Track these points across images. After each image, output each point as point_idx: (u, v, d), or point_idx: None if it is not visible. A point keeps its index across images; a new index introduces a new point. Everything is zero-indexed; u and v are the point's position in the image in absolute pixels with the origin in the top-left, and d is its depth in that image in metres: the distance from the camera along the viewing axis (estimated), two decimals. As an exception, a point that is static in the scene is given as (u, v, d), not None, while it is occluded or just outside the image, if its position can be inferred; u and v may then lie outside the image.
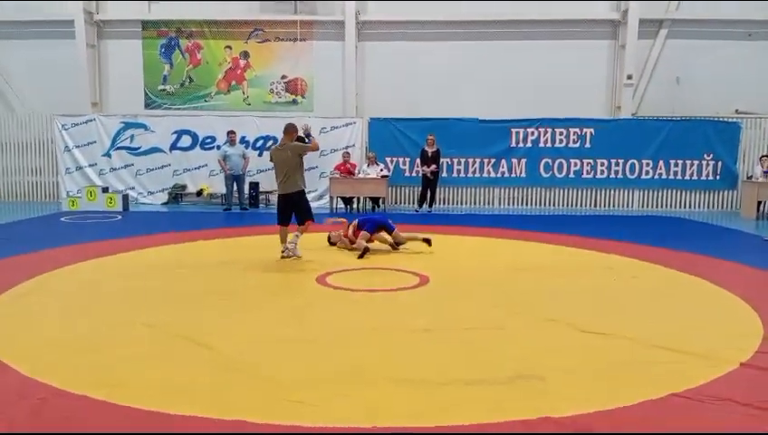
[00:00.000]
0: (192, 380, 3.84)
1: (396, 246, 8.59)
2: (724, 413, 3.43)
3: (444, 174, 14.29)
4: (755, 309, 5.59)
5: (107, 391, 3.59)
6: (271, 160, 8.13)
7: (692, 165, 14.48)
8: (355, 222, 8.73)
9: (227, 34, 15.38)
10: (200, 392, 3.65)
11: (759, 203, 13.31)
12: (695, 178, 14.52)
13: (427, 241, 8.52)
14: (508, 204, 14.85)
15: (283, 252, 7.92)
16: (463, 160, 14.62)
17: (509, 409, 3.45)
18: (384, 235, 8.57)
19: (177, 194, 14.79)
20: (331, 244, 8.79)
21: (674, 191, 14.69)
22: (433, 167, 13.51)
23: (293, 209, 8.00)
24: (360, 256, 7.98)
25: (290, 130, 8.00)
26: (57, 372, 3.91)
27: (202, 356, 4.28)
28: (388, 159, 14.45)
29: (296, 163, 7.88)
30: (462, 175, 14.66)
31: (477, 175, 14.67)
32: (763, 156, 13.65)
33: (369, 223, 8.55)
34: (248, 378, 3.89)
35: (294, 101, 15.53)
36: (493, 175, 14.67)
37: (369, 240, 8.47)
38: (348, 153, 14.07)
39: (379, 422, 3.26)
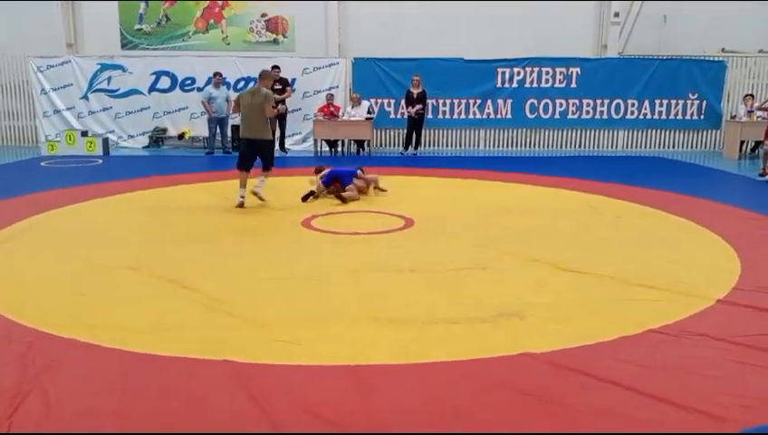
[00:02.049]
0: (178, 321, 3.88)
1: (341, 197, 8.05)
2: (699, 347, 3.53)
3: (429, 115, 14.15)
4: (734, 247, 5.70)
5: (94, 334, 3.62)
6: (237, 103, 7.94)
7: (677, 105, 14.46)
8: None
9: (204, -29, 14.84)
10: (187, 334, 3.69)
11: (741, 143, 13.39)
12: (679, 117, 14.53)
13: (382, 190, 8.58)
14: (494, 145, 14.80)
15: (241, 198, 7.65)
16: (448, 102, 14.46)
17: (490, 346, 3.54)
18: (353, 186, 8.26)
19: (158, 137, 14.55)
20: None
21: (658, 131, 14.71)
22: (418, 107, 13.34)
23: (259, 154, 7.85)
24: (304, 199, 7.93)
25: (265, 76, 7.93)
26: (43, 316, 3.92)
27: (187, 298, 4.30)
28: (372, 101, 14.24)
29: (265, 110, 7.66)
30: (447, 116, 14.53)
31: (463, 116, 14.55)
32: (747, 95, 13.64)
33: (328, 175, 8.32)
34: (234, 319, 3.93)
35: (275, 41, 15.15)
36: (478, 116, 14.56)
37: (323, 191, 8.23)
38: (331, 95, 13.83)
39: (364, 360, 3.32)
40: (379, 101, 14.37)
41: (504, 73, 14.34)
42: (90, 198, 7.99)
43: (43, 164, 11.60)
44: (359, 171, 8.48)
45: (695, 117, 14.53)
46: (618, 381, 3.09)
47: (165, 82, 14.43)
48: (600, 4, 14.82)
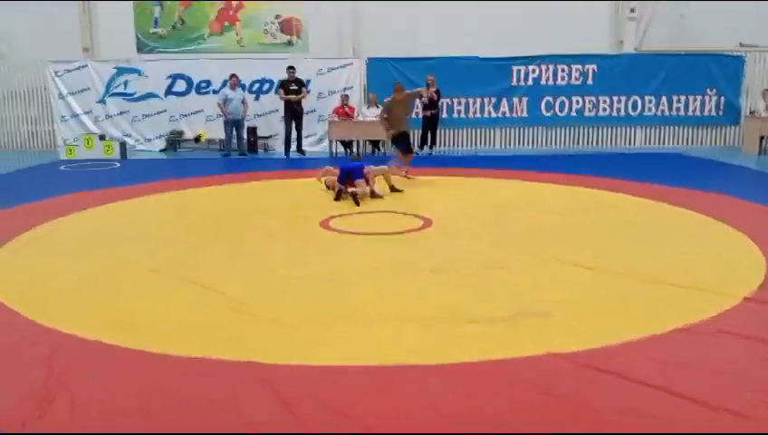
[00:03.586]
0: (202, 322, 3.90)
1: (353, 194, 8.00)
2: (727, 346, 3.49)
3: (444, 115, 14.11)
4: (758, 244, 5.62)
5: (118, 335, 3.64)
6: (386, 118, 9.95)
7: (695, 100, 14.29)
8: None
9: (218, -27, 14.91)
10: (211, 335, 3.70)
11: (761, 138, 13.20)
12: (697, 113, 14.35)
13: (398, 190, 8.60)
14: (509, 144, 14.73)
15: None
16: (463, 100, 14.41)
17: (514, 345, 3.51)
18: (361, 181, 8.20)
19: (174, 140, 14.63)
20: (328, 187, 8.60)
21: (676, 128, 14.54)
22: (431, 92, 13.02)
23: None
24: (336, 198, 7.97)
25: (399, 88, 9.98)
26: (66, 317, 3.95)
27: (210, 299, 4.32)
28: (387, 100, 14.18)
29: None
30: (462, 115, 14.48)
31: (478, 115, 14.49)
32: (766, 90, 13.45)
33: (341, 174, 8.28)
34: (258, 319, 3.94)
35: (290, 42, 15.18)
36: (494, 115, 14.49)
37: (343, 190, 8.15)
38: (346, 95, 13.84)
39: (389, 360, 3.31)
40: (394, 100, 14.31)
41: (519, 71, 14.26)
42: (108, 202, 8.04)
43: (61, 168, 11.71)
44: (364, 168, 8.41)
45: (713, 113, 14.36)
46: (646, 380, 3.05)
47: (181, 85, 14.51)
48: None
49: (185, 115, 14.59)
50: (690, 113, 14.34)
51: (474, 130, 14.63)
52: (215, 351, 3.43)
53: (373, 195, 8.27)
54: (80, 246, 6.00)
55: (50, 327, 3.80)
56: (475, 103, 14.41)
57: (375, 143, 13.84)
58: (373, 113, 13.44)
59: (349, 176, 8.25)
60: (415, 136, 14.21)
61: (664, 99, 14.26)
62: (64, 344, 3.55)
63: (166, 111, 14.54)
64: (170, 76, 14.45)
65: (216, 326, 3.85)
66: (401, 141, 10.03)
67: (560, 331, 3.74)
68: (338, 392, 2.98)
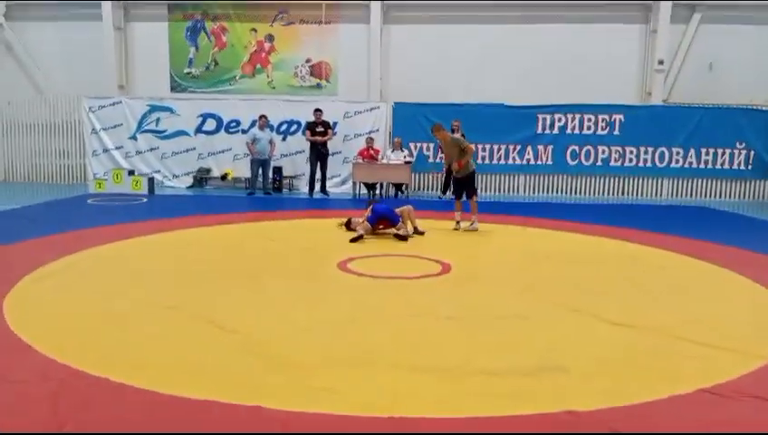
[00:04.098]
0: (212, 363, 3.84)
1: (402, 237, 8.27)
2: (756, 411, 3.32)
3: (468, 160, 14.11)
4: (788, 303, 5.43)
5: (127, 374, 3.59)
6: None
7: (723, 154, 14.15)
8: (370, 207, 8.64)
9: (252, 17, 15.34)
10: (220, 376, 3.64)
11: (793, 194, 12.97)
12: (726, 167, 14.20)
13: (420, 232, 8.66)
14: (534, 192, 14.67)
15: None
16: (488, 147, 14.45)
17: (532, 400, 3.38)
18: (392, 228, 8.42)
19: (201, 177, 14.86)
20: (350, 229, 8.64)
21: (704, 180, 14.38)
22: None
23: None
24: (353, 240, 7.95)
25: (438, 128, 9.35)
26: (79, 353, 3.92)
27: (223, 339, 4.27)
28: (411, 145, 14.33)
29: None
30: (487, 162, 14.49)
31: (503, 162, 14.50)
32: (797, 145, 13.27)
33: (374, 215, 8.39)
34: (269, 362, 3.87)
35: (318, 85, 15.46)
36: (518, 162, 14.49)
37: (371, 232, 8.34)
38: (371, 138, 13.97)
39: (401, 411, 3.21)
40: (419, 145, 14.44)
41: (544, 120, 14.30)
42: (133, 236, 8.12)
43: (89, 201, 11.91)
44: (396, 210, 8.58)
45: (742, 167, 14.19)
46: (668, 444, 2.91)
47: (211, 124, 14.81)
48: (645, 51, 14.73)
49: (213, 153, 14.85)
50: (719, 166, 14.20)
51: (498, 177, 14.64)
52: (224, 394, 3.36)
53: (416, 231, 8.64)
54: (99, 279, 6.02)
55: (61, 362, 3.77)
56: (500, 150, 14.44)
57: (398, 186, 13.86)
58: (398, 157, 13.53)
59: (385, 218, 8.28)
60: (438, 180, 14.25)
61: (692, 151, 14.14)
62: (72, 381, 3.51)
63: (195, 148, 14.83)
64: (201, 115, 14.78)
65: (228, 368, 3.78)
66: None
67: (579, 387, 3.60)
68: (345, 443, 2.88)
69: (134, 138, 14.93)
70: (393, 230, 8.38)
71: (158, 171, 14.85)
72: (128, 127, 14.90)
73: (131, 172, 13.86)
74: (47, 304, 5.13)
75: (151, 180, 13.73)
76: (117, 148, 14.93)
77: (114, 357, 3.91)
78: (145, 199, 12.46)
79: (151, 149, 14.94)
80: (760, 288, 6.02)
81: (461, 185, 9.55)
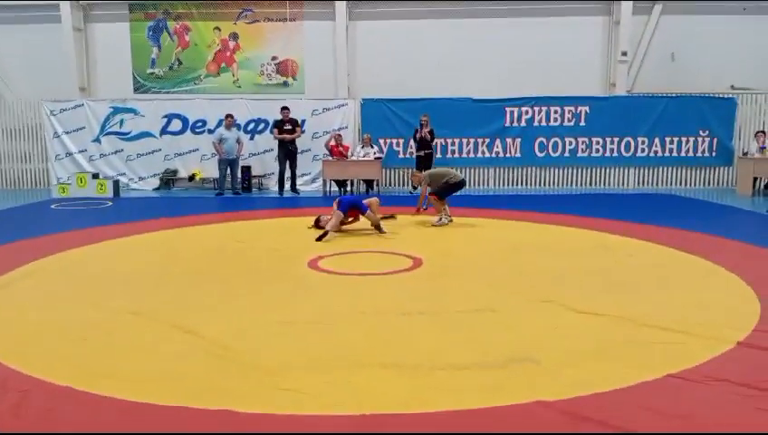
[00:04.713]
0: (180, 369, 3.76)
1: (379, 229, 8.43)
2: (722, 394, 3.37)
3: (438, 155, 14.15)
4: (752, 287, 5.53)
5: (93, 382, 3.51)
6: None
7: (687, 142, 14.40)
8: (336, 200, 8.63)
9: (216, 15, 15.13)
10: (188, 382, 3.57)
11: (755, 179, 13.25)
12: (690, 155, 14.45)
13: (391, 216, 8.85)
14: (503, 184, 14.75)
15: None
16: (457, 141, 14.49)
17: (503, 393, 3.39)
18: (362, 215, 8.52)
19: (168, 179, 14.64)
20: (319, 227, 8.55)
21: (669, 169, 14.62)
22: (425, 132, 13.29)
23: None
24: (318, 239, 7.87)
25: None
26: (42, 362, 3.82)
27: (190, 344, 4.19)
28: (381, 141, 14.31)
29: None
30: (457, 155, 14.54)
31: (472, 155, 14.56)
32: (758, 132, 13.56)
33: (343, 203, 8.43)
34: (237, 365, 3.81)
35: (285, 83, 15.34)
36: (487, 155, 14.56)
37: (343, 222, 8.42)
38: (339, 135, 13.88)
39: (370, 409, 3.18)
40: (388, 140, 14.42)
41: (512, 113, 14.39)
42: (97, 241, 7.96)
43: (53, 206, 11.65)
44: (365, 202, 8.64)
45: (706, 154, 14.45)
46: (635, 430, 2.93)
47: (176, 125, 14.59)
48: (608, 43, 14.91)
49: (179, 154, 14.63)
50: (683, 154, 14.44)
51: (468, 170, 14.65)
52: (191, 399, 3.30)
53: (384, 218, 8.79)
54: (62, 286, 5.88)
55: (23, 373, 3.66)
56: (468, 144, 14.49)
57: (369, 182, 13.83)
58: (367, 153, 13.49)
59: (355, 206, 8.28)
60: (408, 175, 14.24)
61: (657, 140, 14.37)
62: (35, 391, 3.41)
63: (161, 150, 14.60)
64: (166, 116, 14.55)
65: (194, 373, 3.71)
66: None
67: (550, 377, 3.62)
68: (315, 444, 2.85)
69: (98, 140, 14.63)
70: (361, 225, 8.46)
71: (124, 174, 14.59)
72: (91, 130, 14.60)
73: (96, 176, 13.59)
74: (10, 313, 4.98)
75: (116, 183, 13.49)
76: (80, 151, 14.62)
77: (80, 365, 3.81)
78: (110, 203, 12.23)
79: (116, 152, 14.65)
80: (725, 272, 6.12)
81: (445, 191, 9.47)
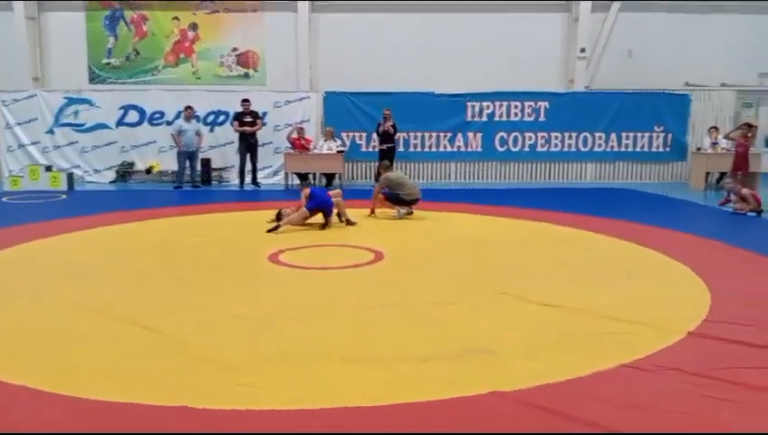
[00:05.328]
0: (137, 365, 3.70)
1: (349, 222, 8.58)
2: (673, 383, 3.47)
3: (400, 148, 14.16)
4: (703, 278, 5.71)
5: (46, 380, 3.43)
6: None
7: (643, 137, 14.72)
8: (307, 191, 8.56)
9: (174, 5, 14.79)
10: (145, 378, 3.52)
11: (707, 174, 13.64)
12: (645, 150, 14.78)
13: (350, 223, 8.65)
14: (464, 178, 14.87)
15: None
16: (419, 135, 14.53)
17: (460, 384, 3.43)
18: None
19: (124, 172, 14.30)
20: (278, 219, 8.45)
21: (626, 163, 14.92)
22: (387, 126, 13.23)
23: None
24: (269, 231, 7.95)
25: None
26: (-9, 361, 3.72)
27: (148, 340, 4.13)
28: (344, 134, 14.26)
29: None
30: (419, 149, 14.58)
31: (434, 149, 14.62)
32: (711, 128, 13.94)
33: (313, 201, 8.35)
34: (197, 362, 3.76)
35: (246, 75, 15.14)
36: (449, 149, 14.64)
37: (307, 217, 8.36)
38: (302, 127, 13.76)
39: (330, 403, 3.19)
40: (351, 134, 14.38)
41: (473, 107, 14.49)
42: (50, 235, 7.74)
43: (4, 199, 11.29)
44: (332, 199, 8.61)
45: (661, 149, 14.80)
46: (591, 420, 3.00)
47: (133, 117, 14.26)
48: (567, 40, 15.13)
49: (136, 146, 14.32)
50: (639, 149, 14.76)
51: (430, 164, 14.75)
52: (148, 396, 3.25)
53: (346, 219, 8.67)
54: (14, 282, 5.71)
55: (-29, 371, 3.56)
56: (431, 138, 14.54)
57: (330, 176, 13.77)
58: (329, 147, 13.43)
59: (321, 208, 8.36)
60: (371, 168, 14.24)
61: (614, 135, 14.65)
62: (-16, 390, 3.32)
63: (117, 141, 14.26)
64: (122, 107, 14.21)
65: (151, 369, 3.66)
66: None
67: (506, 368, 3.68)
68: (274, 438, 2.84)
69: (51, 132, 14.21)
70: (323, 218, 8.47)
71: (78, 166, 14.19)
72: (44, 121, 14.16)
73: (49, 168, 13.19)
74: (-44, 310, 4.82)
75: (70, 176, 13.13)
76: (33, 143, 14.17)
77: (31, 364, 3.73)
78: (64, 196, 11.90)
79: (70, 144, 14.24)
80: (678, 265, 6.30)
81: None
